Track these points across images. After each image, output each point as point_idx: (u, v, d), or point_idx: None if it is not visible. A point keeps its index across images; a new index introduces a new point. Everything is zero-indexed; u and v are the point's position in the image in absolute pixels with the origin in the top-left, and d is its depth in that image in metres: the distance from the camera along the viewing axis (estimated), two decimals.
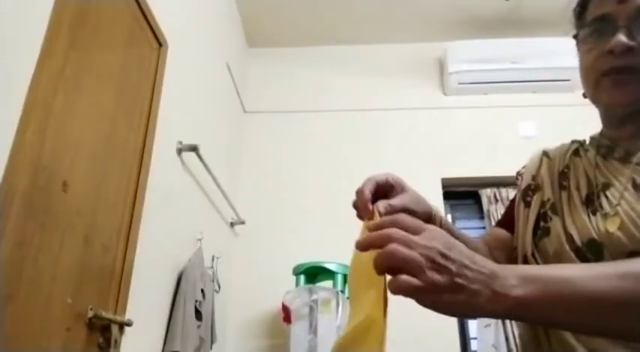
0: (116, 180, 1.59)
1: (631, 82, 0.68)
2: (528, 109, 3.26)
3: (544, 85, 3.26)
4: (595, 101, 0.75)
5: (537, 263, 0.72)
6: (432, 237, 0.49)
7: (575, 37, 0.78)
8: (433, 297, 0.47)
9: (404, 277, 0.47)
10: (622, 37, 0.67)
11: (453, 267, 0.48)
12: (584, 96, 0.78)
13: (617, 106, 0.72)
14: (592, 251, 0.66)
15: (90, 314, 1.39)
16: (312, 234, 2.97)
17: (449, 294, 0.47)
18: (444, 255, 0.48)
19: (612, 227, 0.65)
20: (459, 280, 0.47)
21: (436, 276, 0.47)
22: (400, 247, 0.48)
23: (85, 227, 1.40)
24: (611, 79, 0.70)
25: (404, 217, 0.53)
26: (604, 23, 0.71)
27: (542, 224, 0.75)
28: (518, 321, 0.58)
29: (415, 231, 0.50)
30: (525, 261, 0.75)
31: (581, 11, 0.77)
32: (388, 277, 0.49)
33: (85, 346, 1.38)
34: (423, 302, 0.48)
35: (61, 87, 1.30)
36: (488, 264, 0.49)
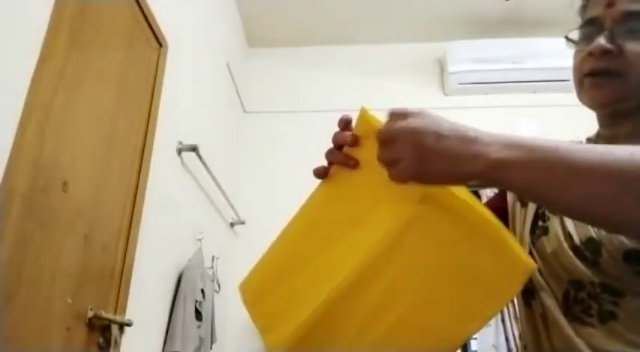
0: (116, 180, 1.59)
1: (607, 84, 0.70)
2: (528, 109, 3.26)
3: (544, 85, 3.26)
4: (580, 101, 0.77)
5: (535, 262, 0.72)
6: (413, 117, 0.52)
7: (566, 38, 0.80)
8: (410, 172, 0.51)
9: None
10: (602, 40, 0.69)
11: (431, 140, 0.50)
12: None
13: (597, 107, 0.74)
14: (590, 249, 0.66)
15: (90, 314, 1.39)
16: None
17: (430, 165, 0.50)
18: (419, 132, 0.51)
19: None
20: (440, 148, 0.50)
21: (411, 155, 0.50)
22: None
23: (85, 227, 1.40)
24: (590, 80, 0.72)
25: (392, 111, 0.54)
26: (592, 26, 0.73)
27: (540, 223, 0.76)
28: (497, 185, 0.58)
29: (398, 118, 0.53)
30: None
31: (583, 11, 0.79)
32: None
33: (85, 346, 1.38)
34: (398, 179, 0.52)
35: (61, 87, 1.30)
36: (470, 130, 0.51)
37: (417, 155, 0.50)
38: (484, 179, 0.50)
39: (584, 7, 0.78)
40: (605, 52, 0.68)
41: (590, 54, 0.70)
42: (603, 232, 0.66)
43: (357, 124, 0.64)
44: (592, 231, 0.67)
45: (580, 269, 0.67)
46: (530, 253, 0.74)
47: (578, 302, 0.66)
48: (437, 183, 0.52)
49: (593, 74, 0.71)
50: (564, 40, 0.79)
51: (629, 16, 0.69)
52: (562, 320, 0.67)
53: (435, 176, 0.51)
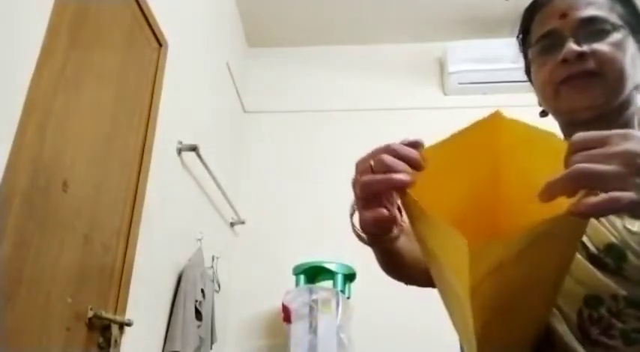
0: (116, 180, 1.59)
1: (589, 86, 0.70)
2: (528, 109, 3.25)
3: None
4: (556, 111, 0.77)
5: None
6: (623, 139, 0.44)
7: (525, 58, 0.81)
8: None
9: (610, 195, 0.42)
10: (572, 45, 0.69)
11: None
12: (543, 114, 0.81)
13: (580, 110, 0.72)
14: (612, 255, 0.61)
15: (90, 314, 1.39)
16: (312, 234, 2.97)
17: None
18: None
19: (635, 225, 0.61)
20: None
21: None
22: (588, 165, 0.42)
23: (85, 227, 1.40)
24: (570, 86, 0.71)
25: (580, 135, 0.46)
26: (551, 38, 0.73)
27: None
28: None
29: (601, 143, 0.45)
30: None
31: (524, 37, 0.81)
32: None
33: (85, 346, 1.38)
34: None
35: (61, 87, 1.30)
36: None
37: None
38: None
39: (526, 30, 0.80)
40: (579, 55, 0.69)
41: (564, 61, 0.70)
42: (627, 233, 0.61)
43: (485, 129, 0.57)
44: (611, 236, 0.62)
45: (600, 280, 0.61)
46: None
47: (594, 323, 0.60)
48: None
49: (571, 79, 0.70)
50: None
51: (584, 22, 0.71)
52: (578, 349, 0.59)
53: None
